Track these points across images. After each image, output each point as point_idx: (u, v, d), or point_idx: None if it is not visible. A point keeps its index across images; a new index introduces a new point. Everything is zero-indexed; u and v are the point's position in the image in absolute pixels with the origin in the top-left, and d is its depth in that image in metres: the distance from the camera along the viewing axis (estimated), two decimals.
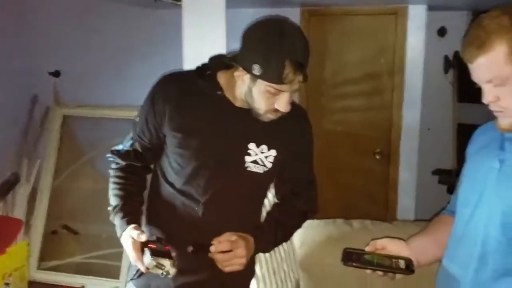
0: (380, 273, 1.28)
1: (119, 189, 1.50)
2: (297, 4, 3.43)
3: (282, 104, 1.33)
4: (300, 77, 1.28)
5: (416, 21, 3.41)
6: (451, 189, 3.49)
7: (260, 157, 1.44)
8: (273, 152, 1.45)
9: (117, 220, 1.46)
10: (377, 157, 3.66)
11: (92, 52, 3.56)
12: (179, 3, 2.54)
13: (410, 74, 3.48)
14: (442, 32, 3.59)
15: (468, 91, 3.43)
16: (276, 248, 2.66)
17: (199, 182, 1.44)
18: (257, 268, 2.32)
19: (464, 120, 3.48)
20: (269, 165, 1.45)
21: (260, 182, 1.50)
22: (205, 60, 2.32)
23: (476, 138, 1.35)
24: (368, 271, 1.29)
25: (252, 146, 1.43)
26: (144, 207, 1.57)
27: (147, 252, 1.31)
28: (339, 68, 3.66)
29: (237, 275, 1.40)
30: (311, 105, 3.70)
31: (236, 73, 1.36)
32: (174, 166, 1.47)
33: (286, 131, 1.47)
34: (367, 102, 3.65)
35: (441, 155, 3.70)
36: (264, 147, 1.44)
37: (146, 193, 1.60)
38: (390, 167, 3.64)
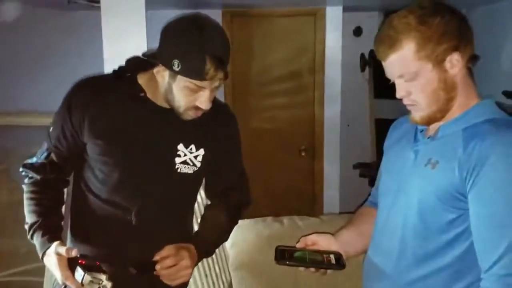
0: (312, 269, 1.32)
1: (36, 204, 1.39)
2: (218, 6, 3.44)
3: (203, 101, 1.29)
4: (221, 74, 1.26)
5: (333, 22, 3.54)
6: (372, 181, 3.66)
7: (189, 157, 1.41)
8: (201, 151, 1.43)
9: (36, 238, 1.34)
10: (303, 153, 3.76)
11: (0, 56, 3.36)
12: (95, 4, 2.46)
13: (330, 72, 3.60)
14: (358, 32, 3.75)
15: (383, 87, 3.60)
16: None
17: (128, 189, 1.38)
18: None
19: (381, 115, 3.66)
20: (199, 164, 1.43)
21: (190, 182, 1.47)
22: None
23: (392, 132, 1.43)
24: (302, 268, 1.32)
25: (181, 147, 1.39)
26: (67, 224, 1.48)
27: (78, 269, 1.22)
28: (263, 67, 3.71)
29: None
30: (237, 105, 3.72)
31: (155, 70, 1.31)
32: (98, 176, 1.39)
33: (213, 129, 1.45)
34: (291, 100, 3.74)
35: (361, 149, 3.87)
36: (192, 147, 1.41)
37: (65, 209, 1.50)
38: (315, 163, 3.75)
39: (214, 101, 1.38)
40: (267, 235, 2.36)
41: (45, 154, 1.43)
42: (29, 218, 1.38)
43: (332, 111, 3.65)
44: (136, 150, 1.36)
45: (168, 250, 1.32)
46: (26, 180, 1.44)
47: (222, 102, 1.54)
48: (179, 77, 1.26)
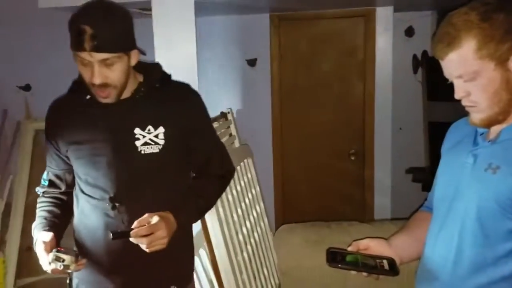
0: (364, 274, 1.29)
1: (40, 211, 1.59)
2: (265, 10, 3.46)
3: (93, 75, 1.37)
4: (98, 47, 1.33)
5: (384, 23, 3.47)
6: (426, 186, 3.57)
7: (149, 137, 1.49)
8: (161, 129, 1.50)
9: (35, 233, 1.50)
10: (352, 158, 3.71)
11: (61, 65, 3.51)
12: (147, 12, 2.53)
13: (380, 74, 3.53)
14: (409, 32, 3.66)
15: (437, 89, 3.52)
16: (255, 253, 2.67)
17: (103, 181, 1.50)
18: (237, 274, 2.32)
19: (435, 118, 3.54)
20: (162, 142, 1.50)
21: (163, 161, 1.52)
22: (177, 67, 2.33)
23: (450, 135, 1.38)
24: (353, 272, 1.29)
25: (137, 130, 1.49)
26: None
27: (53, 251, 1.37)
28: (311, 71, 3.69)
29: (173, 261, 1.54)
30: (285, 109, 3.73)
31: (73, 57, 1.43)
32: (82, 177, 1.55)
33: (169, 107, 1.53)
34: (340, 104, 3.70)
35: (414, 153, 3.76)
36: (150, 128, 1.49)
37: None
38: (365, 168, 3.69)
39: (173, 83, 1.58)
40: (315, 239, 2.35)
41: (45, 173, 1.67)
42: (36, 222, 1.56)
43: (383, 114, 3.58)
44: (99, 146, 1.49)
45: (146, 218, 1.39)
46: (38, 198, 1.67)
47: (183, 83, 1.63)
48: (74, 54, 1.39)
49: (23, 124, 3.53)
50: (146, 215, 1.39)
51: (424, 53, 3.61)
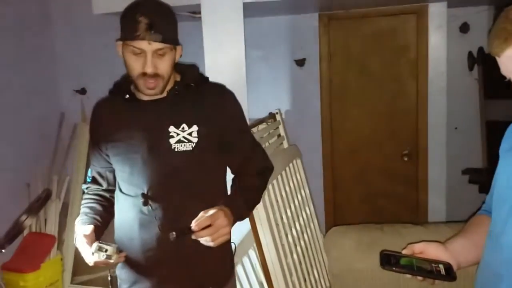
0: (420, 278, 1.25)
1: (82, 207, 1.65)
2: (314, 10, 3.43)
3: (146, 65, 1.43)
4: (155, 36, 1.40)
5: (437, 19, 3.37)
6: (483, 188, 3.43)
7: (183, 135, 1.52)
8: (194, 128, 1.53)
9: (77, 227, 1.55)
10: (405, 158, 3.61)
11: (115, 69, 3.63)
12: (197, 15, 2.57)
13: (434, 72, 3.43)
14: (464, 28, 3.52)
15: (495, 87, 3.37)
16: (305, 255, 2.65)
17: (137, 178, 1.53)
18: (287, 276, 2.31)
19: (493, 117, 3.40)
20: (195, 140, 1.52)
21: (195, 158, 1.54)
22: (226, 69, 2.35)
23: (509, 134, 1.31)
24: (408, 276, 1.25)
25: (172, 128, 1.52)
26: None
27: (95, 242, 1.41)
28: (362, 70, 3.62)
29: (212, 261, 1.56)
30: (335, 108, 3.68)
31: (117, 49, 1.50)
32: (119, 175, 1.60)
33: (203, 106, 1.57)
34: (392, 103, 3.61)
35: (470, 154, 3.62)
36: (184, 126, 1.53)
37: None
38: (419, 169, 3.58)
39: (208, 83, 1.62)
40: (367, 242, 2.30)
41: (90, 171, 1.74)
42: (79, 217, 1.61)
43: (437, 113, 3.46)
44: (134, 143, 1.53)
45: (202, 213, 1.40)
46: (83, 194, 1.74)
47: (218, 83, 1.66)
48: (124, 44, 1.45)
49: (79, 126, 3.67)
50: (201, 212, 1.40)
51: (480, 49, 3.47)
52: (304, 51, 3.63)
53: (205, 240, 1.38)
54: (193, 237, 1.37)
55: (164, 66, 1.47)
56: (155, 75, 1.45)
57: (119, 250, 1.45)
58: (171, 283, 1.57)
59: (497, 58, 1.11)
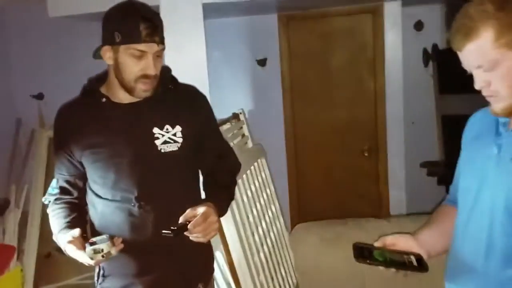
0: (393, 270, 1.28)
1: (56, 218, 1.57)
2: (273, 10, 3.46)
3: (148, 66, 1.43)
4: (157, 38, 1.42)
5: (392, 18, 3.46)
6: (441, 180, 3.55)
7: (168, 136, 1.53)
8: (178, 128, 1.54)
9: (60, 238, 1.49)
10: (366, 154, 3.69)
11: (73, 74, 3.55)
12: None
13: (390, 69, 3.52)
14: (418, 26, 3.63)
15: (449, 82, 3.49)
16: (271, 253, 2.67)
17: (125, 183, 1.51)
18: (255, 275, 2.32)
19: (448, 112, 3.52)
20: (180, 140, 1.53)
21: (181, 158, 1.56)
22: (188, 70, 2.34)
23: (470, 127, 1.36)
24: (381, 268, 1.28)
25: (156, 130, 1.52)
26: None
27: (87, 246, 1.37)
28: (321, 68, 3.68)
29: (198, 261, 1.58)
30: (297, 108, 3.72)
31: (102, 53, 1.47)
32: (98, 181, 1.55)
33: (182, 107, 1.58)
34: (352, 100, 3.69)
35: (427, 147, 3.74)
36: (167, 127, 1.53)
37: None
38: (379, 163, 3.67)
39: (181, 84, 1.61)
40: (331, 237, 2.34)
41: (54, 181, 1.65)
42: (55, 229, 1.55)
43: (394, 109, 3.56)
44: (118, 147, 1.51)
45: (191, 211, 1.41)
46: (48, 208, 1.64)
47: (189, 84, 1.67)
48: (122, 47, 1.42)
49: (37, 132, 3.56)
50: (189, 209, 1.41)
51: (435, 46, 3.58)
52: (265, 51, 3.66)
53: (196, 237, 1.40)
54: (186, 233, 1.38)
55: (160, 67, 1.49)
56: (155, 76, 1.46)
57: (112, 239, 1.40)
58: (163, 282, 1.56)
59: (458, 53, 1.15)
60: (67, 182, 1.63)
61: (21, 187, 3.40)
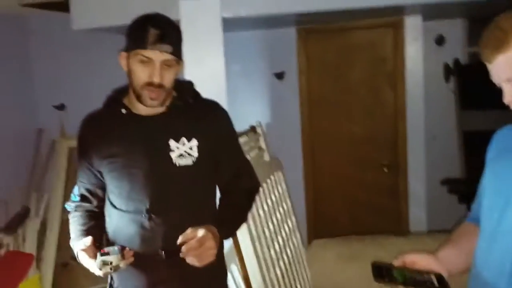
0: None
1: (75, 225, 1.60)
2: (292, 24, 3.46)
3: (154, 73, 1.44)
4: (165, 46, 1.42)
5: (413, 32, 3.43)
6: (462, 198, 3.48)
7: (183, 149, 1.52)
8: (194, 142, 1.53)
9: (75, 245, 1.52)
10: (385, 169, 3.64)
11: (94, 85, 3.60)
12: None
13: (411, 84, 3.48)
14: (439, 40, 3.59)
15: (471, 97, 3.44)
16: (287, 269, 2.64)
17: (138, 194, 1.52)
18: None
19: (469, 127, 3.46)
20: (196, 154, 1.53)
21: (196, 172, 1.55)
22: (206, 82, 2.35)
23: (495, 143, 1.33)
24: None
25: (171, 142, 1.52)
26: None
27: (98, 256, 1.37)
28: (340, 82, 3.66)
29: (209, 277, 1.52)
30: (314, 121, 3.70)
31: (119, 60, 1.51)
32: (114, 191, 1.57)
33: (201, 121, 1.57)
34: (371, 115, 3.65)
35: (448, 163, 3.68)
36: (183, 140, 1.53)
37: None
38: (399, 179, 3.61)
39: (202, 99, 1.62)
40: (349, 254, 2.31)
41: (76, 188, 1.68)
42: (71, 235, 1.59)
43: (415, 123, 3.51)
44: (134, 158, 1.52)
45: (192, 232, 1.38)
46: (69, 214, 1.67)
47: (211, 100, 1.67)
48: (131, 54, 1.45)
49: (58, 142, 3.61)
50: (189, 229, 1.39)
51: (456, 61, 3.54)
52: (283, 64, 3.66)
53: (191, 260, 1.37)
54: (180, 255, 1.36)
55: (169, 77, 1.48)
56: (160, 86, 1.46)
57: (123, 253, 1.40)
58: None
59: (488, 65, 1.13)
60: (87, 190, 1.65)
61: (41, 196, 3.45)
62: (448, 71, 3.59)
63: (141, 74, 1.45)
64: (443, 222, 2.89)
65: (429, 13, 3.28)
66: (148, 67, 1.44)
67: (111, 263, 1.36)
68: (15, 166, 3.51)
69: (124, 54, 1.50)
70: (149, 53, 1.42)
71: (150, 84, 1.45)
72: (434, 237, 2.20)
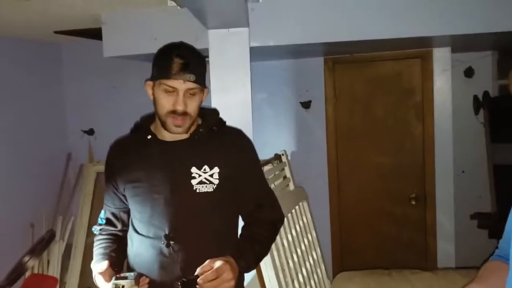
0: None
1: (97, 248, 1.62)
2: (319, 53, 3.49)
3: (178, 101, 1.47)
4: (189, 75, 1.45)
5: (442, 63, 3.40)
6: (493, 233, 3.37)
7: (204, 177, 1.54)
8: (216, 169, 1.55)
9: (94, 267, 1.52)
10: (413, 202, 3.56)
11: (122, 111, 3.67)
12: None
13: (440, 116, 3.44)
14: (469, 73, 3.56)
15: (501, 131, 3.37)
16: None
17: (158, 219, 1.53)
18: None
19: (500, 161, 3.38)
20: (216, 181, 1.54)
21: (216, 199, 1.55)
22: (233, 110, 2.37)
23: None
24: None
25: (194, 170, 1.54)
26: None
27: (112, 280, 1.38)
28: (367, 112, 3.64)
29: None
30: (341, 151, 3.67)
31: (146, 88, 1.56)
32: (136, 216, 1.60)
33: (224, 149, 1.59)
34: (399, 146, 3.60)
35: (478, 198, 3.58)
36: (206, 167, 1.55)
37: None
38: (426, 213, 3.53)
39: (227, 127, 1.65)
40: None
41: (102, 212, 1.72)
42: (94, 258, 1.60)
43: (444, 156, 3.45)
44: (156, 183, 1.54)
45: (209, 263, 1.37)
46: (95, 237, 1.70)
47: (236, 128, 1.69)
48: (156, 82, 1.50)
49: (85, 167, 3.67)
50: (208, 261, 1.38)
51: (486, 94, 3.49)
52: (310, 93, 3.67)
53: None
54: (197, 287, 1.35)
55: (193, 105, 1.51)
56: (184, 113, 1.49)
57: (139, 277, 1.41)
58: None
59: None
60: (113, 214, 1.68)
61: (67, 220, 3.48)
62: (477, 104, 3.54)
63: (166, 103, 1.49)
64: (472, 258, 2.79)
65: (458, 45, 3.26)
66: (172, 96, 1.48)
67: (122, 287, 1.36)
68: (43, 189, 3.57)
69: (150, 83, 1.54)
70: (173, 82, 1.46)
71: (174, 112, 1.48)
72: (463, 274, 2.13)
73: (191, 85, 1.48)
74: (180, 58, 1.46)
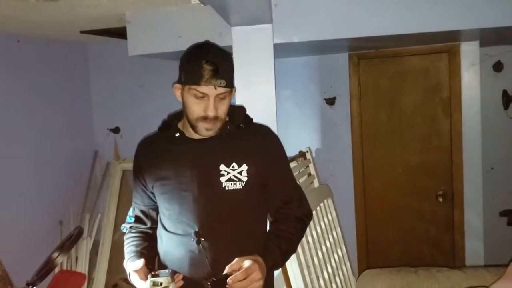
0: None
1: (128, 246, 1.65)
2: (344, 49, 3.45)
3: (208, 107, 1.47)
4: (219, 81, 1.44)
5: (470, 58, 3.33)
6: None
7: (233, 174, 1.53)
8: (244, 167, 1.55)
9: (128, 266, 1.54)
10: (440, 199, 3.50)
11: (148, 109, 3.71)
12: None
13: (468, 111, 3.37)
14: (498, 67, 3.47)
15: None
16: None
17: (187, 217, 1.53)
18: None
19: None
20: (245, 179, 1.54)
21: (245, 197, 1.55)
22: (257, 107, 2.37)
23: None
24: None
25: (222, 167, 1.54)
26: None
27: (148, 277, 1.39)
28: (392, 108, 3.59)
29: None
30: (366, 148, 3.63)
31: (173, 90, 1.56)
32: (165, 213, 1.60)
33: (251, 146, 1.60)
34: (425, 142, 3.54)
35: (507, 194, 3.50)
36: (234, 165, 1.54)
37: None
38: (454, 210, 3.47)
39: (254, 124, 1.64)
40: (401, 286, 2.21)
41: (131, 210, 1.74)
42: (126, 256, 1.63)
43: (472, 152, 3.38)
44: (185, 181, 1.55)
45: (238, 262, 1.38)
46: (124, 235, 1.72)
47: (263, 124, 1.69)
48: (186, 87, 1.48)
49: (112, 164, 3.73)
50: (236, 259, 1.39)
51: None
52: (335, 90, 3.64)
53: None
54: (227, 287, 1.36)
55: (223, 109, 1.51)
56: (215, 118, 1.49)
57: (173, 274, 1.43)
58: None
59: None
60: (142, 212, 1.70)
61: (94, 217, 3.54)
62: (507, 98, 3.46)
63: (197, 108, 1.49)
64: (501, 256, 2.73)
65: (486, 39, 3.18)
66: (203, 101, 1.47)
67: (161, 284, 1.37)
68: (71, 187, 3.64)
69: (178, 86, 1.54)
70: (203, 89, 1.45)
71: (205, 117, 1.48)
72: (492, 271, 2.08)
73: (221, 90, 1.47)
74: (209, 65, 1.44)
